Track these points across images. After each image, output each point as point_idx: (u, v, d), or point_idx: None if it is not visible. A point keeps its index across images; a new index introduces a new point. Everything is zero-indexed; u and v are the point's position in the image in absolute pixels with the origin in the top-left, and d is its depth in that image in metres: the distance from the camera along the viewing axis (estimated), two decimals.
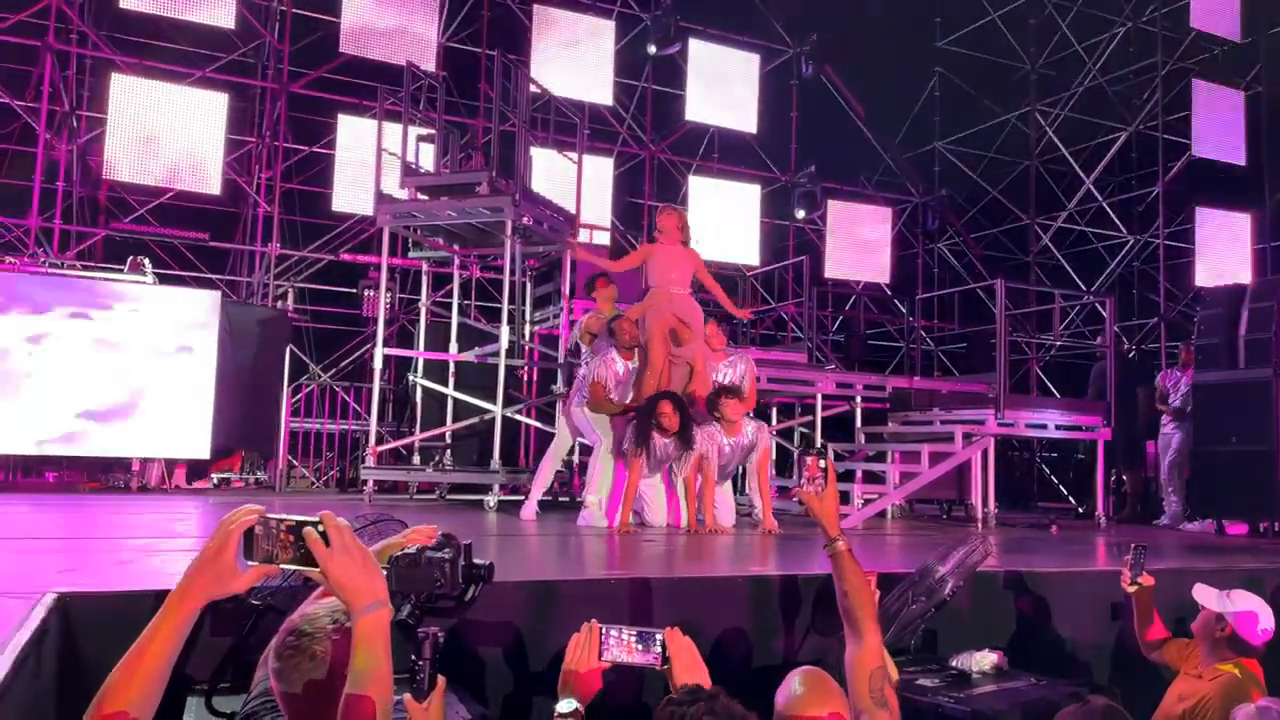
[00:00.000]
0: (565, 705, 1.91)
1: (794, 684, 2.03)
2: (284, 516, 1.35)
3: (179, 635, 1.35)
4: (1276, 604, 3.34)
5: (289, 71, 10.66)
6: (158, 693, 1.33)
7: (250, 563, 1.35)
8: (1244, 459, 7.54)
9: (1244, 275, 12.45)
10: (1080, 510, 9.94)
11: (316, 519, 1.33)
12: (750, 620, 3.40)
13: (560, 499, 7.86)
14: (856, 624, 2.21)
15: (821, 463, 2.30)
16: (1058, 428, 8.20)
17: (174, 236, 10.32)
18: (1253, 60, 13.33)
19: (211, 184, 9.99)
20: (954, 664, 3.34)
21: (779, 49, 13.24)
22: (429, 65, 10.13)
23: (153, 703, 1.32)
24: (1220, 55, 13.48)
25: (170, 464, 8.68)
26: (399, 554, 1.59)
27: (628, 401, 6.28)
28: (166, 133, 9.73)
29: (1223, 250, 13.23)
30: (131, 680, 1.31)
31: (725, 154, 13.06)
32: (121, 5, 9.76)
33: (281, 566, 1.36)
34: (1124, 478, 9.40)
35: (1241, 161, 13.16)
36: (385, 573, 1.55)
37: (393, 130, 7.89)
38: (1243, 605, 3.20)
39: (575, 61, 11.53)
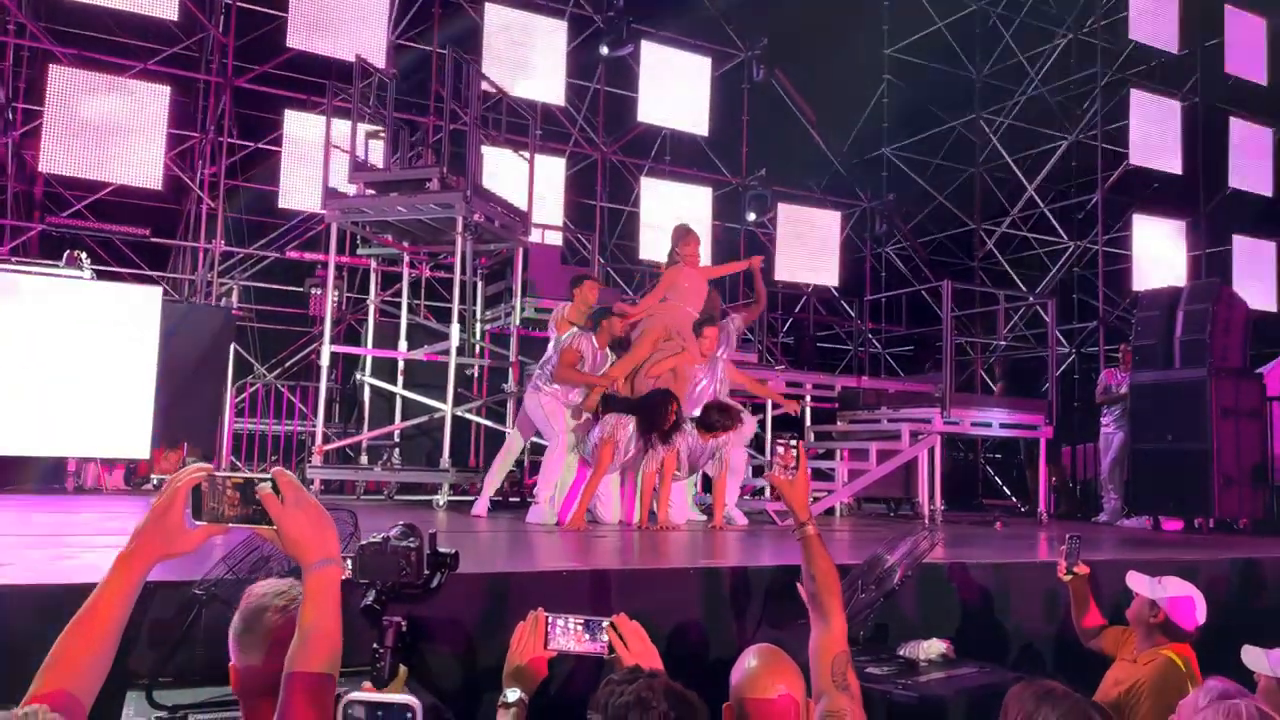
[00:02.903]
0: (510, 694, 1.90)
1: (749, 660, 2.04)
2: (231, 474, 1.33)
3: (126, 601, 1.31)
4: (1210, 596, 3.44)
5: (234, 66, 10.48)
6: (102, 667, 1.29)
7: (198, 522, 1.32)
8: (1179, 457, 7.75)
9: (1179, 280, 12.81)
10: (1022, 508, 10.15)
11: (268, 475, 1.31)
12: (704, 612, 3.41)
13: (511, 499, 7.81)
14: (822, 608, 2.24)
15: (794, 449, 2.34)
16: (1002, 426, 8.36)
17: (113, 232, 10.07)
18: (1189, 72, 13.73)
19: (152, 179, 9.76)
20: (902, 653, 3.39)
21: (731, 52, 13.33)
22: (379, 62, 10.02)
23: (95, 678, 1.28)
24: (1158, 66, 13.87)
25: (108, 465, 8.47)
26: (365, 542, 1.59)
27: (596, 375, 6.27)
28: (106, 126, 9.50)
29: (1159, 256, 13.61)
30: (76, 652, 1.26)
31: (677, 156, 13.11)
32: None
33: (229, 525, 1.34)
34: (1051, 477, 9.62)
35: (1178, 170, 13.55)
36: (351, 561, 1.55)
37: (341, 127, 7.79)
38: (1175, 591, 3.29)
39: (527, 61, 11.49)
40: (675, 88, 12.40)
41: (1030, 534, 6.86)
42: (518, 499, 7.78)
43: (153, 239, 10.41)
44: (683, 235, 6.87)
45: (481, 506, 6.35)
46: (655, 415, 5.83)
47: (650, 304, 6.75)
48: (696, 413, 6.33)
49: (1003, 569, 4.23)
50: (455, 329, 7.36)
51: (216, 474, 1.33)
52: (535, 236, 9.25)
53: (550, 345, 6.58)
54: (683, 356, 6.50)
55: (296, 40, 10.27)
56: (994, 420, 8.24)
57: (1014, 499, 12.05)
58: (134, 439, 8.13)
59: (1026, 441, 9.39)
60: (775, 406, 8.29)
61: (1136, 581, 3.38)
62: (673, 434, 5.91)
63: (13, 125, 10.08)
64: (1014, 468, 12.57)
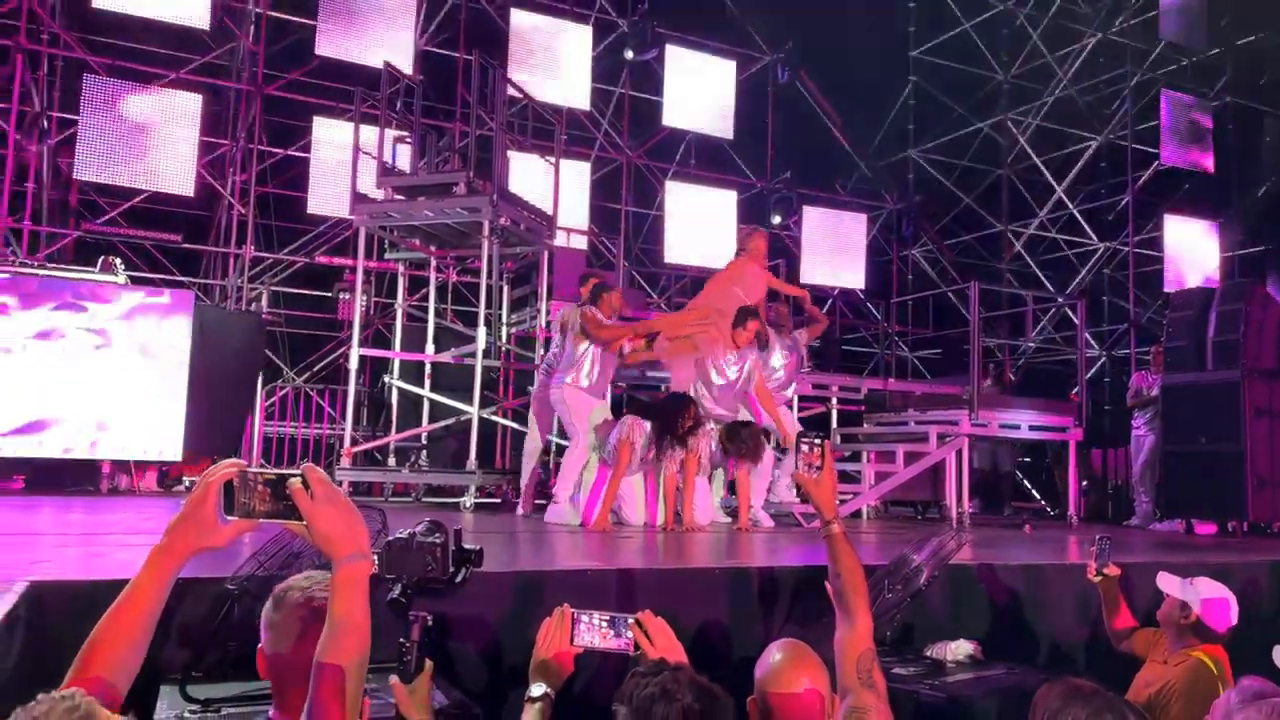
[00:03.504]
0: (536, 689, 1.92)
1: (773, 655, 2.04)
2: (263, 470, 1.35)
3: (160, 592, 1.34)
4: (1243, 598, 3.40)
5: (264, 74, 10.61)
6: (137, 656, 1.32)
7: (230, 517, 1.35)
8: (1212, 460, 7.65)
9: (1212, 282, 12.63)
10: (1052, 511, 10.06)
11: (298, 471, 1.33)
12: (729, 612, 3.41)
13: (537, 501, 7.84)
14: (848, 606, 2.23)
15: (820, 448, 2.34)
16: (1030, 428, 8.27)
17: (146, 238, 10.22)
18: (1220, 71, 13.56)
19: (185, 186, 9.90)
20: (930, 654, 3.37)
21: (755, 56, 13.32)
22: (406, 69, 10.11)
23: (130, 667, 1.31)
24: (1189, 66, 13.70)
25: (140, 468, 8.58)
26: (391, 538, 1.62)
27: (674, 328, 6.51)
28: (139, 134, 9.64)
29: (1191, 257, 13.43)
30: (112, 641, 1.29)
31: (702, 159, 13.11)
32: (95, 4, 9.68)
33: (260, 521, 1.36)
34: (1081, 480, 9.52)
35: (1210, 170, 13.38)
36: (377, 557, 1.57)
37: (369, 133, 7.87)
38: (1207, 592, 3.25)
39: (553, 66, 11.55)
40: (700, 91, 12.41)
41: (1060, 537, 6.80)
42: (544, 500, 7.81)
43: (185, 245, 10.56)
44: (751, 232, 7.41)
45: (524, 508, 6.63)
46: (671, 418, 5.89)
47: (717, 287, 7.02)
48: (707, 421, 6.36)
49: (1032, 570, 4.20)
50: (481, 332, 7.40)
51: (249, 470, 1.35)
52: (560, 240, 9.29)
53: (554, 343, 6.63)
54: (706, 332, 6.54)
55: (325, 48, 10.39)
56: (1022, 422, 8.16)
57: (1043, 502, 11.94)
58: (166, 442, 8.24)
59: (1055, 444, 9.30)
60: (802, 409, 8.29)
61: (1167, 582, 3.35)
62: (689, 437, 5.92)
63: (48, 134, 10.25)
64: (1043, 471, 12.45)
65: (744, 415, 6.55)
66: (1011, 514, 9.60)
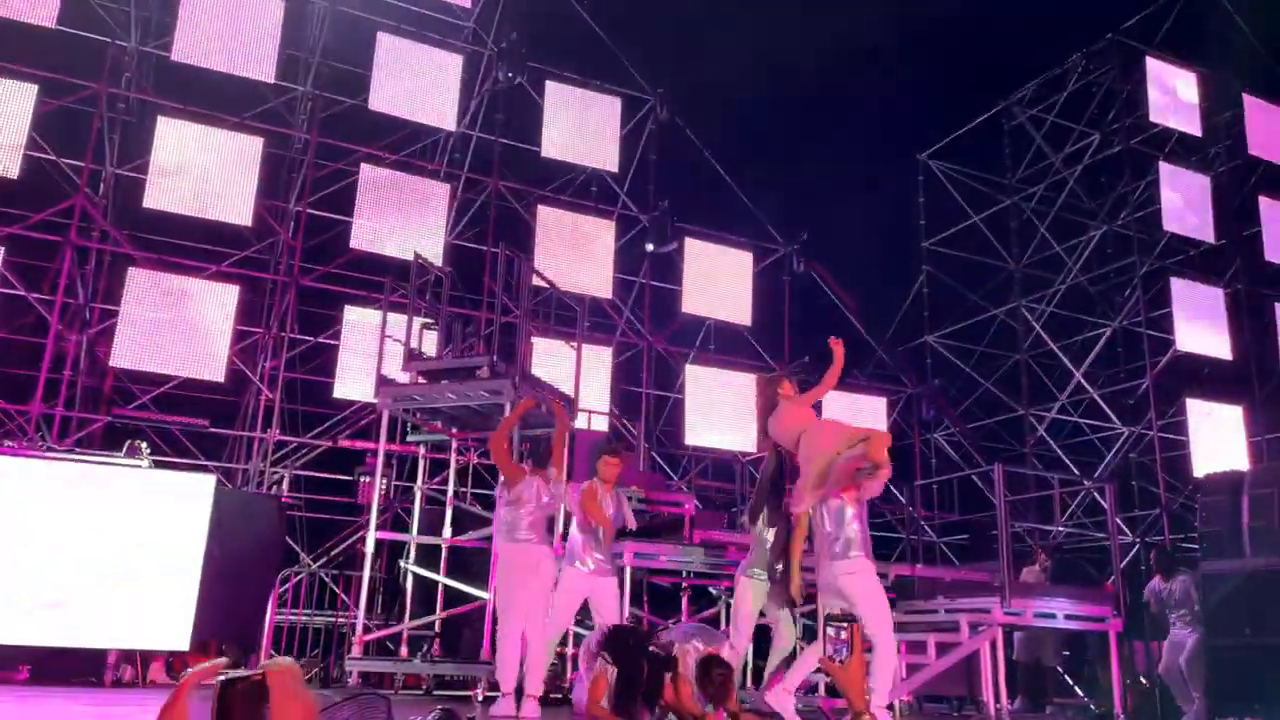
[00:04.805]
0: None
1: None
2: (237, 673, 1.32)
3: None
4: None
5: (299, 266, 11.07)
6: None
7: None
8: (1260, 653, 7.27)
9: (1241, 465, 12.43)
10: (1095, 708, 9.52)
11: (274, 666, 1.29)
12: None
13: (553, 695, 7.52)
14: None
15: (846, 632, 2.25)
16: (1067, 618, 7.94)
17: (175, 423, 10.38)
18: (1229, 259, 13.88)
19: (216, 373, 10.16)
20: None
21: (771, 247, 13.81)
22: (436, 260, 10.53)
23: None
24: (1196, 255, 14.05)
25: (147, 657, 8.33)
26: None
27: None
28: (177, 324, 9.99)
29: (1217, 440, 13.28)
30: None
31: (721, 344, 13.37)
32: (146, 204, 10.26)
33: None
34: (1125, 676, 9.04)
35: (1228, 356, 13.45)
36: None
37: (398, 320, 8.12)
38: None
39: (577, 258, 12.02)
40: (718, 281, 12.85)
41: None
42: (559, 695, 7.49)
43: (211, 429, 10.70)
44: (779, 376, 6.78)
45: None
46: (634, 678, 4.74)
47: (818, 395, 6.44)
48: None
49: None
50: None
51: (226, 674, 1.32)
52: (582, 422, 9.35)
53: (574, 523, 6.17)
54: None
55: (360, 242, 10.89)
56: (1058, 611, 7.84)
57: (1086, 698, 11.31)
58: (175, 630, 8.04)
59: (1094, 636, 8.90)
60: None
61: None
62: (656, 702, 4.83)
63: (89, 324, 10.63)
64: (1084, 664, 11.87)
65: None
66: (1054, 711, 9.08)
